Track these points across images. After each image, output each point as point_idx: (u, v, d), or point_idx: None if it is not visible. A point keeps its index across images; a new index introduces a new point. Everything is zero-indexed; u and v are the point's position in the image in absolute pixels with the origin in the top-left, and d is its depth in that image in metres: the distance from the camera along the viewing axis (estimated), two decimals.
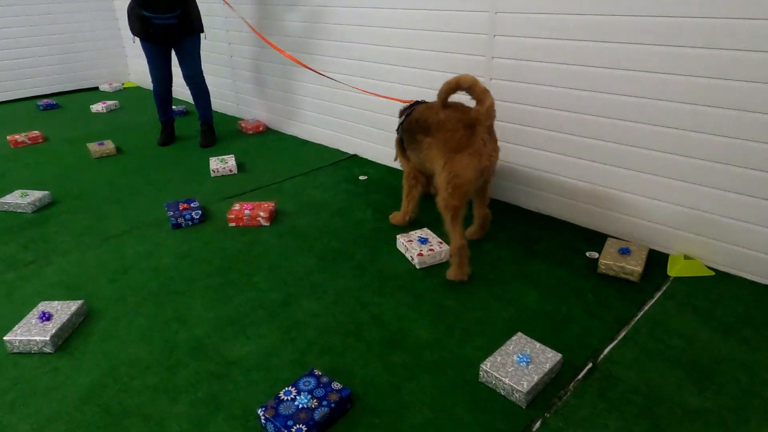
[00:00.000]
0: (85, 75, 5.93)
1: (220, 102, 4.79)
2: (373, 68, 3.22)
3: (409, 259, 2.28)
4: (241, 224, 2.64)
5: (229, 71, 4.50)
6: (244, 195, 3.02)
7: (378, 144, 3.42)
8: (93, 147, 3.77)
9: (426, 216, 2.65)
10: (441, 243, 2.29)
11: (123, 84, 6.09)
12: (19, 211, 2.88)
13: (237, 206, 2.71)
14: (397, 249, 2.39)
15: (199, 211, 2.68)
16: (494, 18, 2.51)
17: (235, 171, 3.37)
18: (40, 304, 1.96)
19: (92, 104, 5.16)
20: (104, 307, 2.04)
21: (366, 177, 3.21)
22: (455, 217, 2.08)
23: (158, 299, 2.07)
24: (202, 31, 3.71)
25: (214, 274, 2.23)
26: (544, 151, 2.56)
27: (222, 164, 3.37)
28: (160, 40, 3.57)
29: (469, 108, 2.06)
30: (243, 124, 4.22)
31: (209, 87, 4.76)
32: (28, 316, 1.89)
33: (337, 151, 3.70)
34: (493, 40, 2.56)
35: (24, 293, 2.14)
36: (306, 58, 3.64)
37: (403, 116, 2.37)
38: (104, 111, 5.00)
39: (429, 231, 2.41)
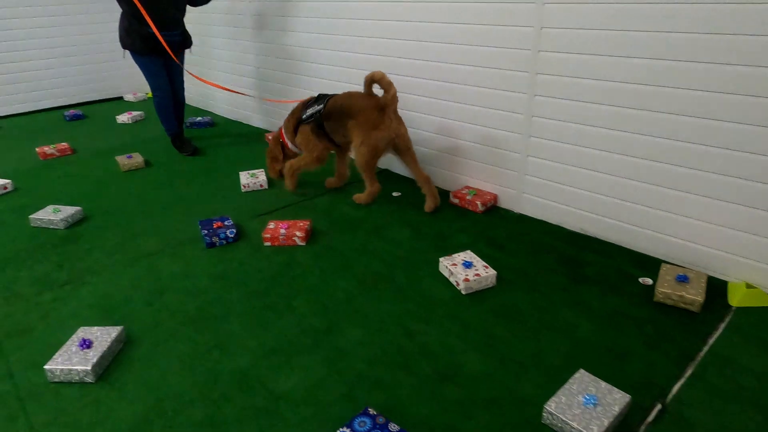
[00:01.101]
0: (110, 85, 5.95)
1: (245, 113, 4.76)
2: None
3: (454, 284, 2.20)
4: (276, 243, 2.58)
5: (255, 83, 4.46)
6: (276, 212, 2.96)
7: None
8: (122, 160, 3.75)
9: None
10: (487, 267, 2.21)
11: (147, 94, 6.10)
12: (51, 227, 2.86)
13: (272, 225, 2.66)
14: (440, 272, 2.31)
15: (234, 230, 2.62)
16: (539, 33, 2.43)
17: (265, 186, 3.32)
18: (79, 330, 1.91)
19: (117, 115, 5.17)
20: (142, 332, 1.98)
21: (399, 194, 3.14)
22: (371, 171, 2.87)
23: (197, 324, 2.01)
24: (191, 45, 3.96)
25: (253, 297, 2.17)
26: (591, 171, 2.47)
27: (252, 179, 3.33)
28: (160, 55, 3.71)
29: (377, 98, 2.75)
30: (269, 136, 4.18)
31: (237, 99, 4.76)
32: (68, 342, 1.85)
33: None
34: (538, 56, 2.48)
35: (60, 315, 2.10)
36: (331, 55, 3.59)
37: (320, 106, 2.90)
38: (130, 122, 4.99)
39: (472, 254, 2.33)
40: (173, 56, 3.68)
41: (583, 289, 2.15)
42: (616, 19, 2.18)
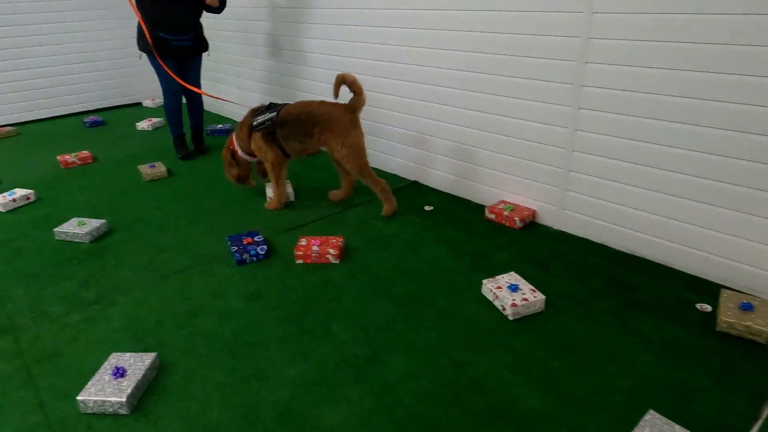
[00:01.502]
0: (129, 91, 5.91)
1: None
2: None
3: (499, 308, 2.09)
4: (309, 261, 2.48)
5: (278, 90, 4.38)
6: (305, 227, 2.87)
7: (441, 171, 3.24)
8: (144, 169, 3.68)
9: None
10: (534, 291, 2.09)
11: None
12: (76, 240, 2.78)
13: (303, 241, 2.56)
14: (482, 294, 2.20)
15: (265, 246, 2.53)
16: (586, 43, 2.32)
17: (292, 198, 3.23)
18: (111, 356, 1.82)
19: (137, 121, 5.11)
20: (176, 358, 1.89)
21: (432, 207, 3.04)
22: (369, 171, 2.87)
23: (233, 350, 1.92)
24: (208, 49, 3.99)
25: (289, 321, 2.08)
26: (639, 188, 2.34)
27: None
28: (174, 58, 3.77)
29: (339, 102, 2.84)
30: None
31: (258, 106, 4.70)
32: (101, 370, 1.76)
33: (395, 176, 3.54)
34: (584, 67, 2.36)
35: (90, 339, 2.01)
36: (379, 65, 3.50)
37: (272, 114, 2.89)
38: (150, 128, 4.94)
39: (517, 275, 2.22)
40: (161, 62, 3.64)
41: (637, 315, 2.03)
42: (667, 30, 2.07)
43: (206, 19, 3.85)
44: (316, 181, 3.50)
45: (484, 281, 2.19)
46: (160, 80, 3.84)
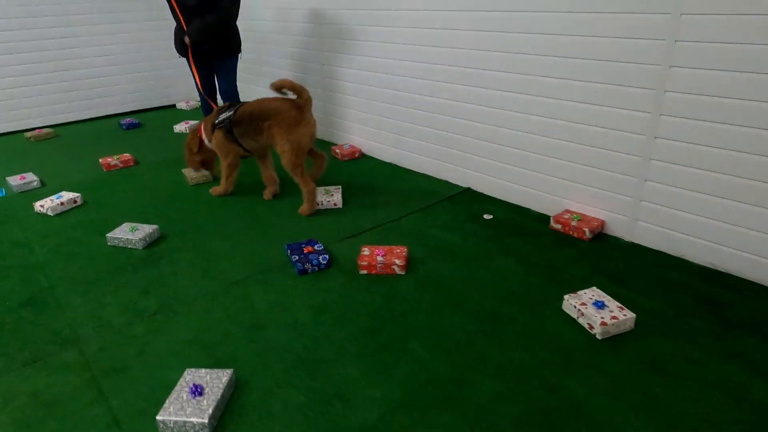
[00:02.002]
0: (163, 93, 5.88)
1: None
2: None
3: (585, 326, 1.97)
4: (374, 272, 2.39)
5: (321, 93, 4.30)
6: (361, 235, 2.78)
7: (497, 178, 3.13)
8: (189, 173, 3.62)
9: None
10: (623, 309, 1.97)
11: (198, 102, 6.01)
12: (130, 247, 2.72)
13: (366, 251, 2.46)
14: (563, 310, 2.08)
15: (326, 256, 2.44)
16: (673, 46, 2.19)
17: (340, 205, 3.14)
18: (186, 372, 1.74)
19: (174, 124, 5.07)
20: (250, 374, 1.80)
21: (491, 216, 2.92)
22: (301, 171, 2.94)
23: (309, 367, 1.83)
24: (239, 53, 3.92)
25: (363, 336, 1.98)
26: (725, 199, 2.21)
27: (327, 197, 3.15)
28: (198, 60, 3.81)
29: (291, 99, 2.94)
30: (337, 150, 4.01)
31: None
32: (177, 388, 1.67)
33: (447, 183, 3.43)
34: (669, 71, 2.24)
35: (157, 352, 1.94)
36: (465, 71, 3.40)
37: (230, 112, 3.03)
38: (187, 131, 4.89)
39: (600, 291, 2.10)
40: (192, 65, 3.77)
41: (738, 337, 1.89)
42: (757, 33, 1.94)
43: (243, 20, 3.79)
44: (363, 188, 3.41)
45: (566, 297, 2.07)
46: (194, 81, 3.96)
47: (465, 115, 3.19)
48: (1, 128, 5.03)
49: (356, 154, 3.98)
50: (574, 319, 2.02)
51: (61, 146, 4.59)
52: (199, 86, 3.84)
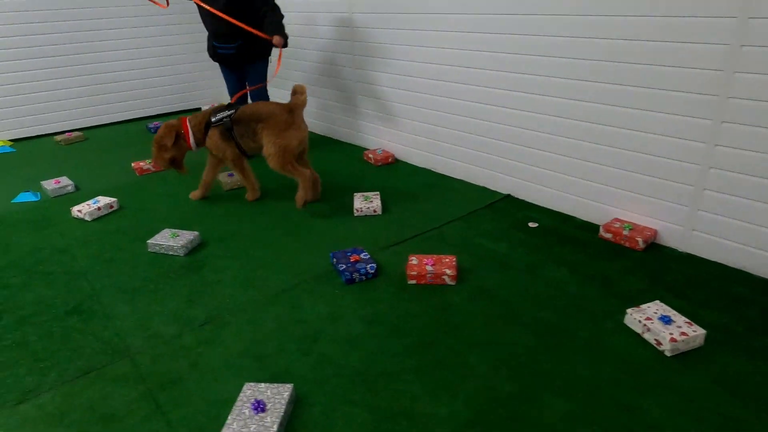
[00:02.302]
0: (188, 96, 5.88)
1: (342, 130, 4.55)
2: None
3: (652, 342, 1.89)
4: (423, 282, 2.33)
5: (352, 98, 4.26)
6: (404, 243, 2.72)
7: (539, 185, 3.06)
8: (223, 178, 3.59)
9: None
10: (691, 324, 1.90)
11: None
12: (171, 253, 2.69)
13: (414, 260, 2.41)
14: (625, 324, 2.01)
15: (374, 265, 2.39)
16: (739, 51, 2.12)
17: (379, 212, 3.08)
18: (246, 387, 1.69)
19: None
20: (309, 390, 1.76)
21: (536, 224, 2.86)
22: (291, 165, 2.99)
23: (369, 383, 1.77)
24: (269, 55, 4.01)
25: (420, 350, 1.92)
26: None
27: (366, 203, 3.10)
28: (229, 64, 4.01)
29: (284, 103, 3.07)
30: (370, 155, 3.96)
31: (332, 113, 4.59)
32: (238, 403, 1.63)
33: (485, 189, 3.36)
34: (733, 77, 2.16)
35: (211, 364, 1.89)
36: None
37: (231, 111, 3.10)
38: None
39: (664, 305, 2.02)
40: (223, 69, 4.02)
41: None
42: None
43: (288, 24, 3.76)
44: (400, 194, 3.35)
45: (629, 311, 2.00)
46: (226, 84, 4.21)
47: (504, 120, 3.13)
48: (31, 132, 5.05)
49: (389, 159, 3.93)
50: (638, 334, 1.95)
51: (92, 150, 4.59)
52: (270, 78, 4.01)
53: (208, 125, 3.13)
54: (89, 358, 1.95)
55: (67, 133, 4.95)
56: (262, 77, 4.03)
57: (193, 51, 5.71)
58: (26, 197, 3.49)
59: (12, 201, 3.45)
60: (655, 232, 2.59)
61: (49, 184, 3.58)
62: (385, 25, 3.70)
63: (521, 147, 3.10)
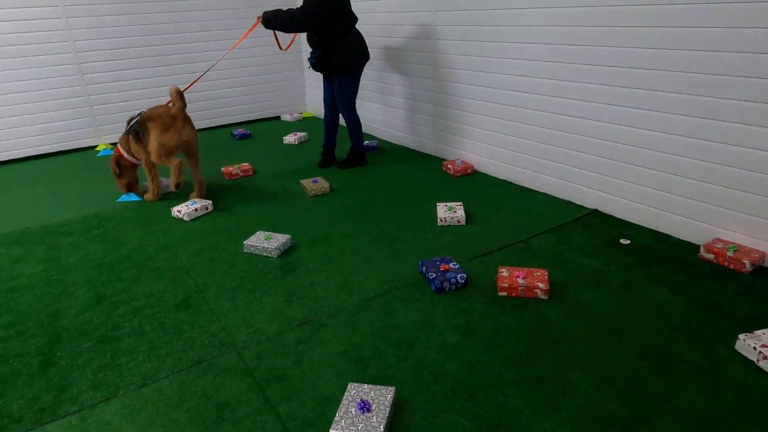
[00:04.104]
0: (270, 105, 6.15)
1: (419, 140, 4.60)
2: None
3: None
4: (514, 294, 2.32)
5: (432, 108, 4.31)
6: (491, 254, 2.71)
7: (630, 200, 2.96)
8: (308, 184, 3.73)
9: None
10: None
11: (302, 114, 6.24)
12: (264, 255, 2.82)
13: (505, 272, 2.40)
14: (738, 351, 1.90)
15: (464, 275, 2.40)
16: None
17: (463, 222, 3.09)
18: (350, 387, 1.75)
19: (283, 135, 5.28)
20: (409, 395, 1.79)
21: (629, 241, 2.76)
22: (166, 158, 3.40)
23: (469, 393, 1.78)
24: (345, 71, 3.91)
25: (519, 365, 1.91)
26: None
27: (450, 213, 3.12)
28: (321, 73, 4.11)
29: (166, 106, 3.49)
30: (449, 165, 3.98)
31: (410, 123, 4.64)
32: (344, 402, 1.69)
33: (570, 203, 3.29)
34: None
35: (312, 363, 1.97)
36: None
37: (137, 116, 3.49)
38: (296, 143, 5.07)
39: None
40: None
41: None
42: None
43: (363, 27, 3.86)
44: (482, 205, 3.34)
45: (741, 337, 1.90)
46: None
47: (592, 133, 3.06)
48: None
49: (469, 170, 3.93)
50: (753, 363, 1.84)
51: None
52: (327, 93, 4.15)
53: (127, 134, 3.58)
54: (200, 350, 2.09)
55: None
56: (344, 92, 3.98)
57: (274, 61, 5.97)
58: (130, 197, 3.77)
59: (117, 200, 3.75)
60: (764, 255, 2.44)
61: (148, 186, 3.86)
62: (467, 37, 3.73)
63: (611, 161, 3.01)
